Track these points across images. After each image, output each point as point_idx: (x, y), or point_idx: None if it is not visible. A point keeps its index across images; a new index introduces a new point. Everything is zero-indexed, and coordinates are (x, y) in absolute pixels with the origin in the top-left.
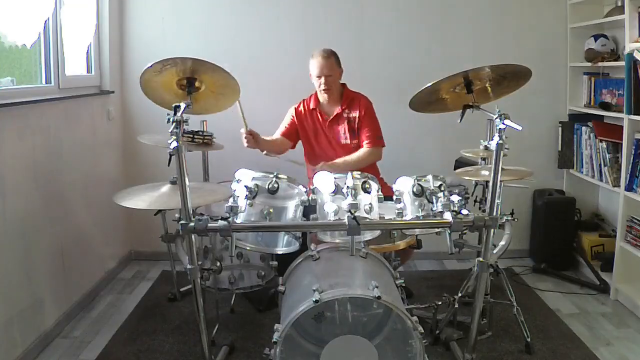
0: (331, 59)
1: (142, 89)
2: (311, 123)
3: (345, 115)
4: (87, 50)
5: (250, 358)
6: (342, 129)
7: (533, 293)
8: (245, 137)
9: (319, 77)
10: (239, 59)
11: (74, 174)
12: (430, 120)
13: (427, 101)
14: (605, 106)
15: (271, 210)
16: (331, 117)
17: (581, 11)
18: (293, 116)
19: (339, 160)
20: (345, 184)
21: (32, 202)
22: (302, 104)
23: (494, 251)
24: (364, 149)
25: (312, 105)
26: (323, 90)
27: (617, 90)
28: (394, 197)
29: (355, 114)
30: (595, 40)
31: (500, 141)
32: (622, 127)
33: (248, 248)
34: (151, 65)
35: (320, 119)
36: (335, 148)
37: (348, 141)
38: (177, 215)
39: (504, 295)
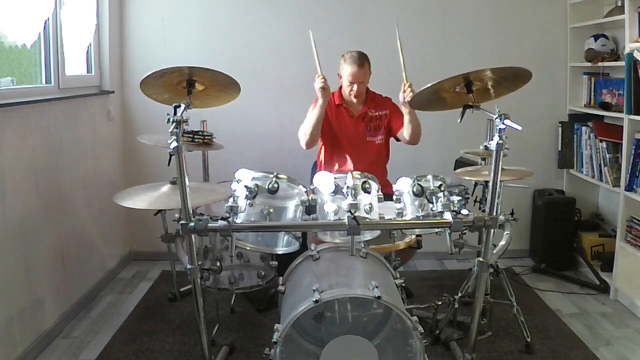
0: (366, 66)
1: (142, 91)
2: (336, 118)
3: (370, 114)
4: (87, 50)
5: (250, 358)
6: (367, 126)
7: (533, 293)
8: (323, 79)
9: (352, 83)
10: (239, 59)
11: (74, 174)
12: (430, 120)
13: (427, 100)
14: (605, 106)
15: (271, 210)
16: (356, 115)
17: (581, 11)
18: None
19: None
20: (345, 184)
21: (32, 202)
22: None
23: (494, 251)
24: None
25: (337, 101)
26: (353, 96)
27: (617, 90)
28: (394, 197)
29: (382, 112)
30: (595, 40)
31: (500, 141)
32: (622, 127)
33: (248, 248)
34: (150, 74)
35: (347, 115)
36: (359, 144)
37: (372, 138)
38: (177, 215)
39: (504, 295)
